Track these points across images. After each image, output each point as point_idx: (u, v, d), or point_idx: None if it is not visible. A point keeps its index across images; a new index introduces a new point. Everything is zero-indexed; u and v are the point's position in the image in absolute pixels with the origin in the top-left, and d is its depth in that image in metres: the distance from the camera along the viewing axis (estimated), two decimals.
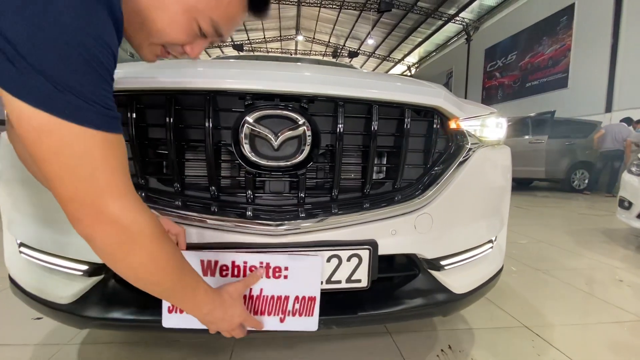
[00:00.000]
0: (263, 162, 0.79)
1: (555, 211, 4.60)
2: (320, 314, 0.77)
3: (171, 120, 0.76)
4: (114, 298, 0.81)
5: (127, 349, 1.17)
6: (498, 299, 1.64)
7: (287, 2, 16.03)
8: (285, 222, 0.79)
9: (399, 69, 23.53)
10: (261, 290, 0.74)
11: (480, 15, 13.72)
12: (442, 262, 0.91)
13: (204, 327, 0.66)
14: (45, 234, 0.84)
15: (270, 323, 0.75)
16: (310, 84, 0.80)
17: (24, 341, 1.20)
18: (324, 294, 0.78)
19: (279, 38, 20.74)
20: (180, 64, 0.88)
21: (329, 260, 0.79)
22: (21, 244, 0.90)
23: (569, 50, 9.00)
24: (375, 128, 0.83)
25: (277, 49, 22.27)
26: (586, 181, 6.76)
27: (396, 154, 0.91)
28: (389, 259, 0.92)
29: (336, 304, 0.83)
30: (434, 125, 0.90)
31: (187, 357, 1.13)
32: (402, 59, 21.32)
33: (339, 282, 0.80)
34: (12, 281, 0.95)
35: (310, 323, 0.76)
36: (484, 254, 1.03)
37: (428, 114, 0.91)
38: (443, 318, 1.38)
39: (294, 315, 0.75)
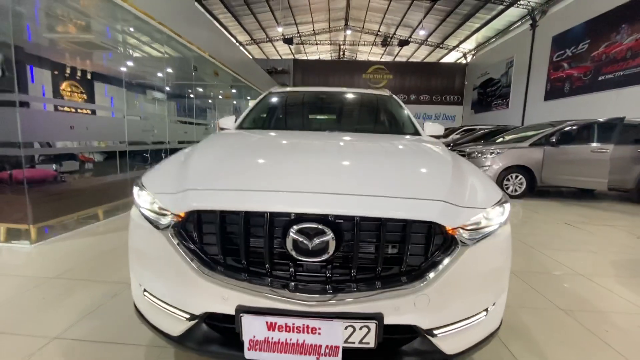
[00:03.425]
0: (302, 258, 1.13)
1: (610, 231, 4.21)
2: None
3: (242, 228, 1.14)
4: (205, 336, 1.23)
5: None
6: (508, 337, 1.78)
7: None
8: (317, 296, 1.13)
9: (454, 56, 22.19)
10: (304, 340, 1.12)
11: None
12: (436, 332, 1.18)
13: None
14: (161, 287, 1.28)
15: None
16: (336, 208, 1.13)
17: (137, 341, 1.72)
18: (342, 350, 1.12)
19: (327, 30, 20.76)
20: (245, 191, 1.25)
21: (346, 328, 1.11)
22: (144, 290, 1.36)
23: None
24: (385, 231, 1.13)
25: (325, 40, 22.36)
26: None
27: (401, 247, 1.19)
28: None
29: (350, 357, 1.16)
30: (432, 229, 1.16)
31: None
32: (457, 45, 20.07)
33: (353, 343, 1.13)
34: (138, 311, 1.42)
35: None
36: (478, 320, 1.27)
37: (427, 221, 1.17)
38: None
39: (325, 356, 1.12)
